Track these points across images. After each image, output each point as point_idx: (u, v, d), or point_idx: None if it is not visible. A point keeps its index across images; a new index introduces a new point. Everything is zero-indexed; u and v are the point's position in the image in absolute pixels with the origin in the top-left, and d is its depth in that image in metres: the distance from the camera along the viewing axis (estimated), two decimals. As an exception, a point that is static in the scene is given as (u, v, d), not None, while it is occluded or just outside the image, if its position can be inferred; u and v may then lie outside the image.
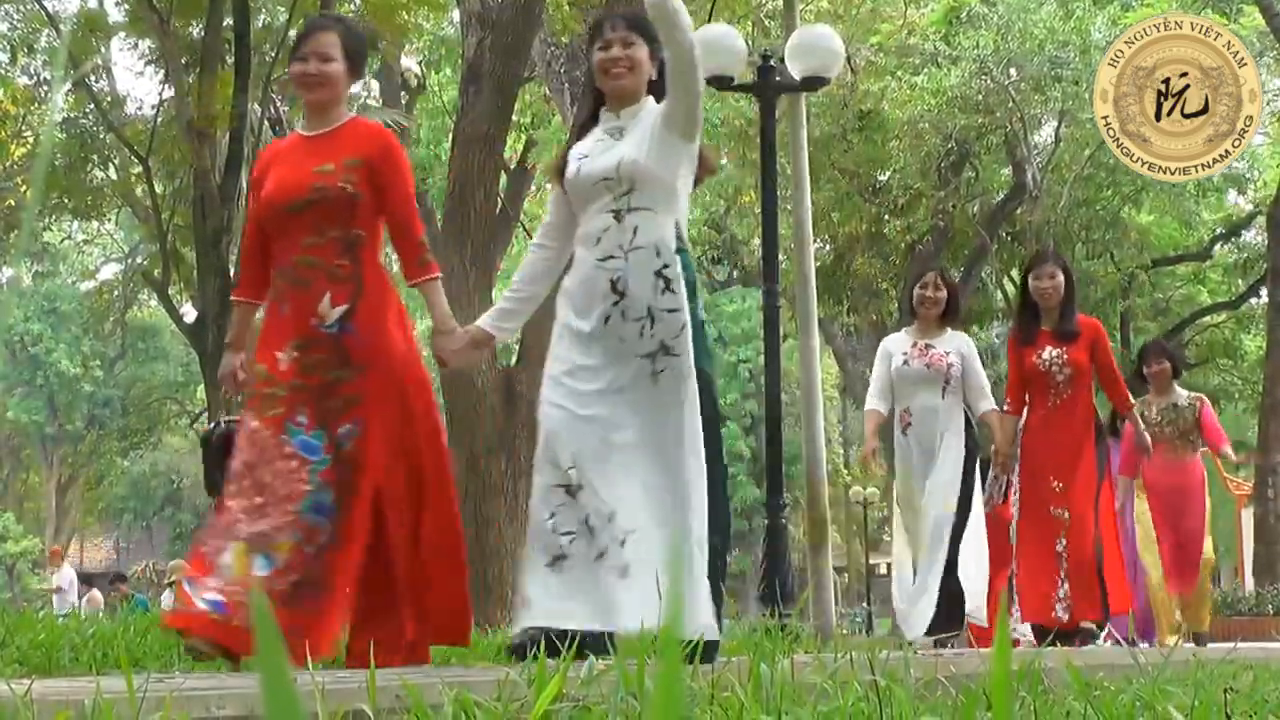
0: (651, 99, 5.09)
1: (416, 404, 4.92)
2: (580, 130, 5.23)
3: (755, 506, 35.30)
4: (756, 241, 28.61)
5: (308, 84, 5.01)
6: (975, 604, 8.31)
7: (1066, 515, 8.35)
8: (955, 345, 8.64)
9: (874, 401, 8.79)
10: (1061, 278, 8.53)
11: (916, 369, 8.56)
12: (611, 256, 4.85)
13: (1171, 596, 10.36)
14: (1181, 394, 10.55)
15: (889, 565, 33.05)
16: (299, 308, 4.82)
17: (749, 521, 37.55)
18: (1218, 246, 29.33)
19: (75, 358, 47.97)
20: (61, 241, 44.83)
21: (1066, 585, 8.31)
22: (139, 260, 30.51)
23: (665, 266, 4.82)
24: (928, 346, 8.61)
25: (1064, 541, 8.34)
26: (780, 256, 13.67)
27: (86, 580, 26.06)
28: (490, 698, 2.71)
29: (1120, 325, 27.16)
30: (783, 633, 4.25)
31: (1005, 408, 8.81)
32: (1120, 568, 8.97)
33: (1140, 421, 9.43)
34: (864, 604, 38.73)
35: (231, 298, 5.34)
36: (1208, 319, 29.34)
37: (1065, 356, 8.43)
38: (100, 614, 11.46)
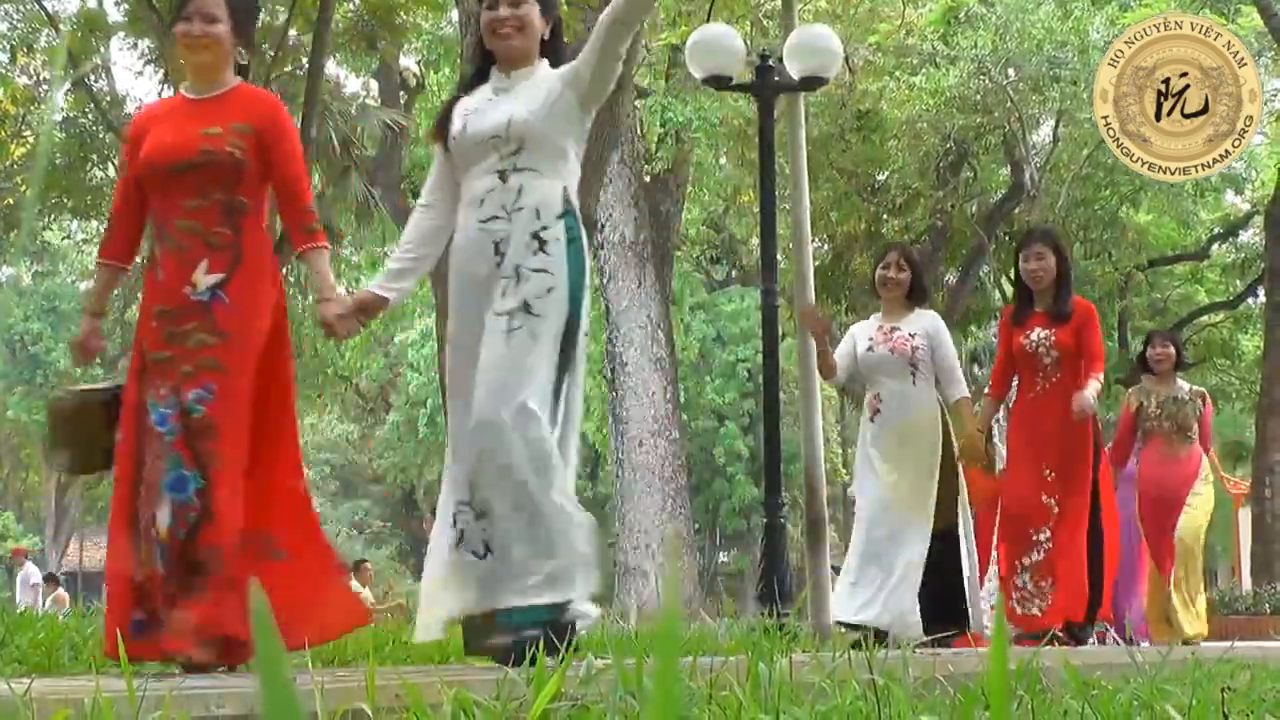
0: (545, 63, 4.88)
1: (274, 383, 4.68)
2: (466, 88, 5.00)
3: (753, 506, 35.27)
4: (755, 241, 28.61)
5: (191, 45, 4.79)
6: (976, 608, 7.90)
7: (1055, 506, 8.03)
8: (922, 326, 8.09)
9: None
10: (1052, 258, 8.19)
11: (881, 354, 8.06)
12: (496, 218, 4.66)
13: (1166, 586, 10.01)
14: (1183, 386, 10.25)
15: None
16: (173, 275, 4.61)
17: (747, 521, 37.55)
18: (1215, 246, 29.33)
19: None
20: (61, 241, 44.85)
21: (1026, 576, 7.99)
22: (138, 259, 30.43)
23: (543, 228, 4.61)
24: (893, 330, 8.10)
25: (1046, 532, 8.01)
26: (778, 256, 13.68)
27: (52, 579, 26.13)
28: (489, 696, 2.71)
29: (1118, 325, 27.17)
30: (781, 632, 4.26)
31: (986, 392, 8.56)
32: (1115, 562, 8.61)
33: (1090, 400, 8.82)
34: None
35: (96, 260, 5.13)
36: (1205, 319, 29.33)
37: (1053, 338, 8.11)
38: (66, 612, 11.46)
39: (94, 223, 34.67)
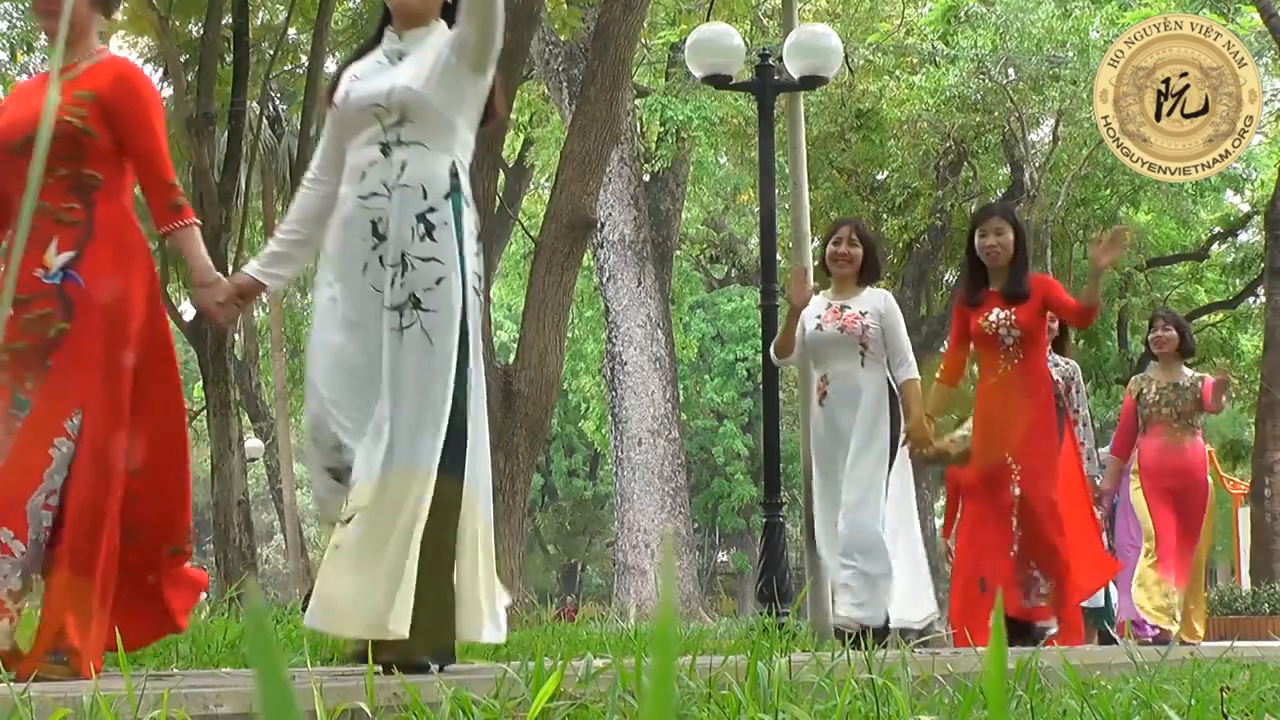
0: (444, 23, 4.47)
1: (151, 368, 4.30)
2: (360, 51, 4.65)
3: (752, 505, 35.30)
4: (754, 240, 28.63)
5: (40, 10, 4.44)
6: (901, 611, 7.36)
7: (1018, 493, 7.58)
8: (872, 305, 7.63)
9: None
10: (1010, 234, 7.72)
11: (829, 333, 7.59)
12: (376, 194, 4.24)
13: (1172, 586, 9.42)
14: (1186, 373, 9.72)
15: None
16: (25, 258, 4.19)
17: (746, 520, 37.57)
18: (1215, 246, 29.33)
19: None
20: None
21: (1030, 566, 7.60)
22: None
23: (430, 210, 4.22)
24: (842, 308, 7.64)
25: (1014, 520, 7.59)
26: (778, 255, 13.69)
27: None
28: (488, 695, 2.71)
29: (1118, 325, 27.19)
30: (779, 631, 4.26)
31: (937, 376, 8.09)
32: (1090, 547, 8.17)
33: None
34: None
35: None
36: (1205, 318, 29.32)
37: (1014, 318, 7.65)
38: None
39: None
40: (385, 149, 4.28)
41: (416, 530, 4.01)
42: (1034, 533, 7.57)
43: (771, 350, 8.36)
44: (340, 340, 4.26)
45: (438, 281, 4.17)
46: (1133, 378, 10.23)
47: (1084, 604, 10.56)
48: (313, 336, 4.36)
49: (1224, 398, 9.55)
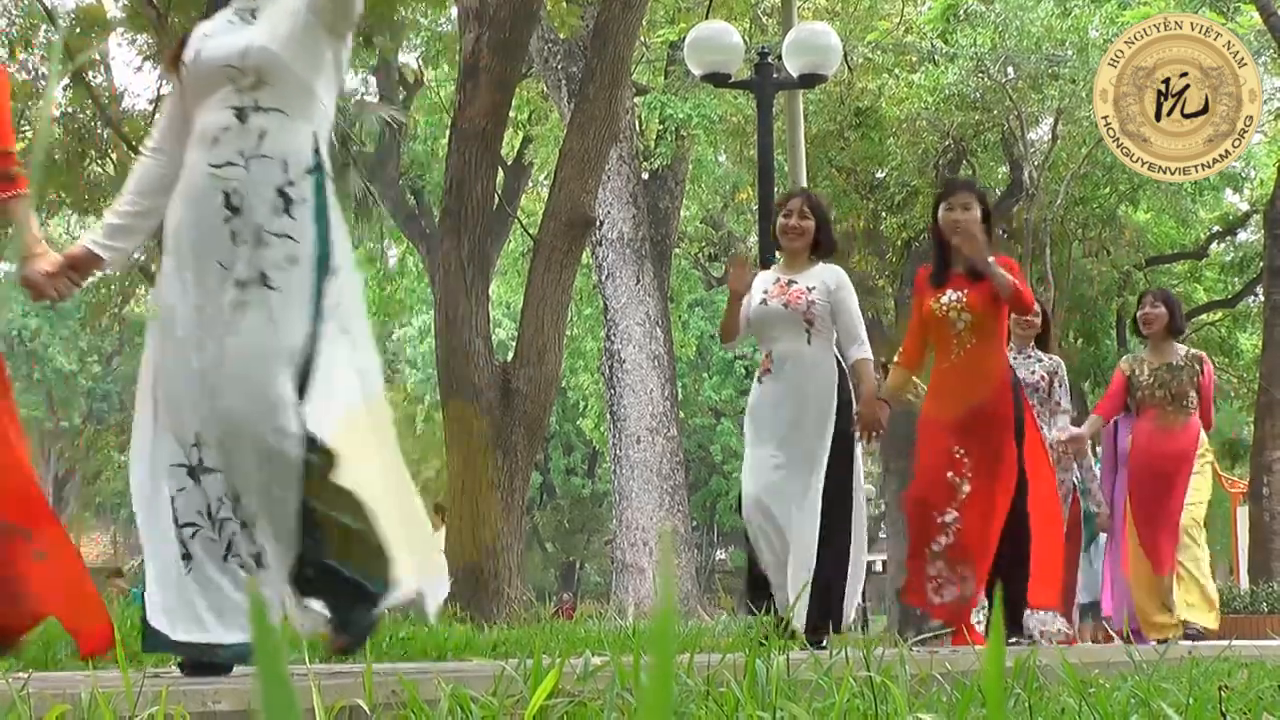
0: None
1: None
2: (209, 8, 4.35)
3: (752, 503, 35.25)
4: (753, 238, 28.61)
5: None
6: (851, 608, 6.96)
7: (966, 488, 7.10)
8: (821, 280, 7.17)
9: None
10: (977, 209, 7.27)
11: (775, 309, 7.15)
12: (230, 163, 3.90)
13: (1166, 578, 9.06)
14: (1179, 351, 9.30)
15: (884, 563, 32.99)
16: None
17: (745, 518, 37.52)
18: (1214, 245, 29.35)
19: (72, 353, 48.00)
20: (60, 236, 44.84)
21: (940, 562, 7.11)
22: (137, 255, 30.48)
23: (290, 184, 3.90)
24: (789, 282, 7.20)
25: (953, 514, 7.09)
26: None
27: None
28: (486, 693, 2.71)
29: (1116, 324, 27.20)
30: (778, 629, 4.26)
31: (896, 359, 7.72)
32: (1053, 557, 7.76)
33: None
34: (859, 600, 38.73)
35: None
36: (1204, 317, 29.35)
37: (965, 299, 7.17)
38: None
39: (93, 218, 34.71)
40: (241, 114, 3.94)
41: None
42: (970, 529, 7.09)
43: (718, 335, 7.91)
44: (181, 323, 3.91)
45: (290, 261, 3.85)
46: (1124, 357, 9.85)
47: (1081, 601, 10.54)
48: (157, 314, 4.00)
49: (1211, 415, 9.33)
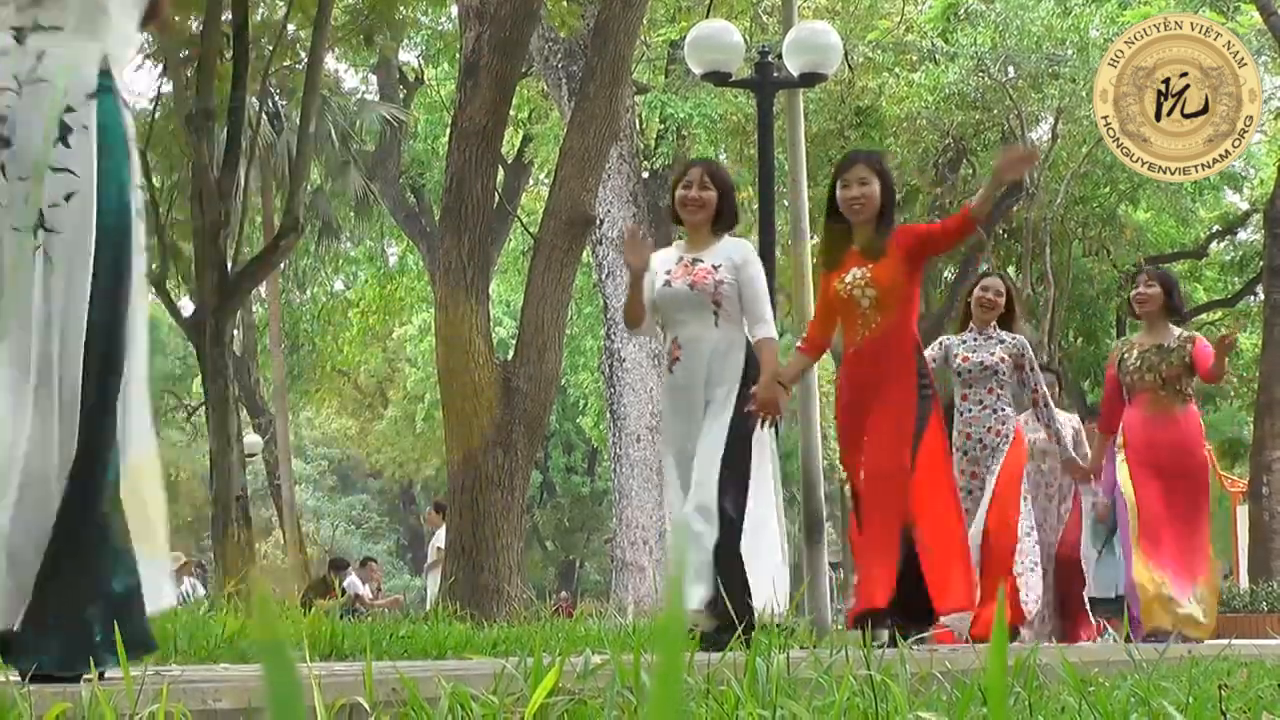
0: None
1: None
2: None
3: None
4: (753, 237, 28.61)
5: None
6: (764, 601, 6.33)
7: (863, 474, 6.69)
8: (726, 256, 6.64)
9: None
10: (876, 185, 6.71)
11: (678, 290, 6.62)
12: (5, 88, 3.44)
13: (1168, 577, 8.30)
14: (1172, 333, 8.65)
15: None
16: None
17: (745, 517, 37.50)
18: (1214, 244, 29.38)
19: (72, 351, 48.00)
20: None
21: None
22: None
23: (69, 110, 3.44)
24: (694, 261, 6.65)
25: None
26: (777, 252, 13.68)
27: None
28: (487, 691, 2.71)
29: (1116, 323, 27.21)
30: (778, 628, 4.26)
31: (799, 345, 7.24)
32: (958, 553, 6.92)
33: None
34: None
35: None
36: (1204, 316, 29.37)
37: (869, 275, 6.65)
38: None
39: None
40: (19, 35, 3.48)
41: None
42: (870, 522, 6.66)
43: (623, 321, 7.49)
44: None
45: (67, 198, 3.40)
46: (1115, 342, 9.42)
47: (1093, 595, 10.31)
48: None
49: (1225, 363, 8.57)
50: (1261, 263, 23.61)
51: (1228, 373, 8.46)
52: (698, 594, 6.27)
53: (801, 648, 3.95)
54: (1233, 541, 23.99)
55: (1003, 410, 8.64)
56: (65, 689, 2.66)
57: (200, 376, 15.98)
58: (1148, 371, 8.50)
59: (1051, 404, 8.96)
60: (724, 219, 6.79)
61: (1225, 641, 5.79)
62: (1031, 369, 8.71)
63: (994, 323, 8.79)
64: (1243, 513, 21.70)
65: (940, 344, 8.87)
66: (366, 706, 2.71)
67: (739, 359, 6.55)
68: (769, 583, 6.43)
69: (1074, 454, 9.23)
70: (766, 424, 6.56)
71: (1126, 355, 8.71)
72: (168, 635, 4.83)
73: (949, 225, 6.80)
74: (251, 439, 25.89)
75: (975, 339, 8.72)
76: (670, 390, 6.75)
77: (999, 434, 8.59)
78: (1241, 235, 29.39)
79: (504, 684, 2.73)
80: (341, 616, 6.18)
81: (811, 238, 12.25)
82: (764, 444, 6.67)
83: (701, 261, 6.64)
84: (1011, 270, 27.24)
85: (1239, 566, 22.21)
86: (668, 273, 6.69)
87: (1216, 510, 11.06)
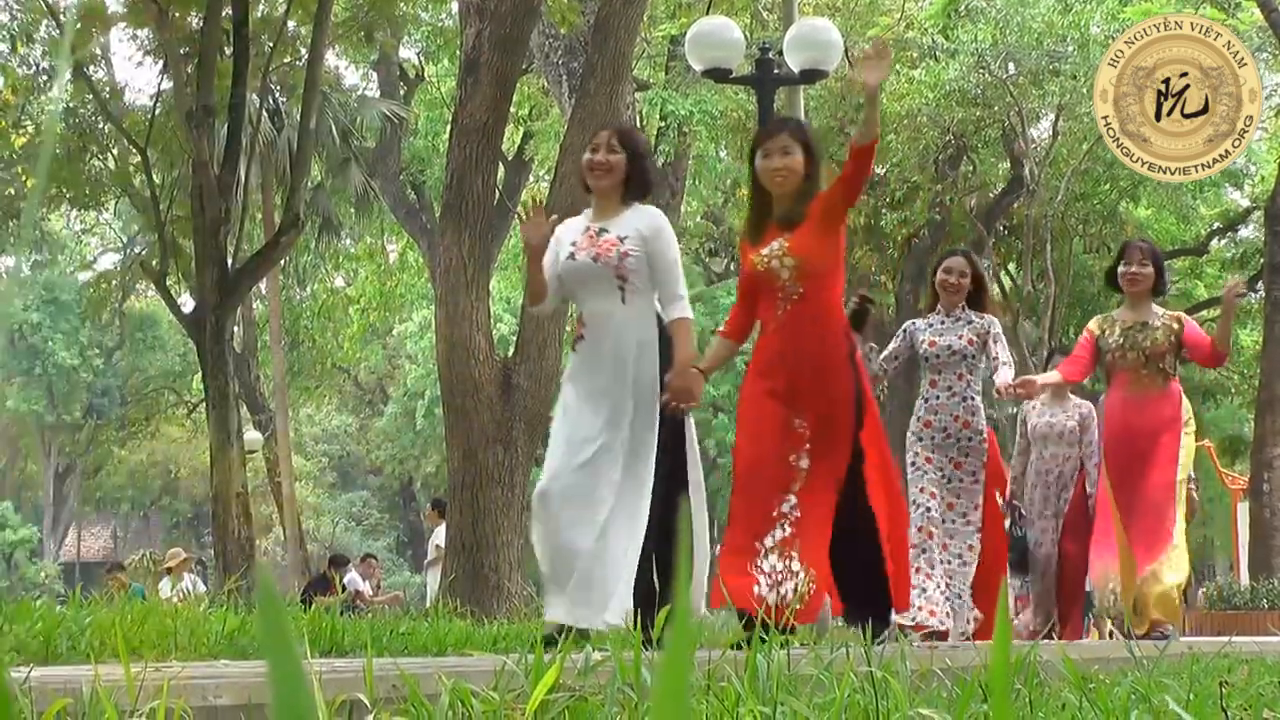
0: None
1: None
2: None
3: (752, 499, 35.23)
4: (754, 234, 28.59)
5: None
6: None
7: (805, 465, 6.01)
8: (634, 227, 6.05)
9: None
10: (800, 154, 6.18)
11: (583, 263, 6.03)
12: None
13: (1138, 574, 7.98)
14: (1156, 311, 8.23)
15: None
16: None
17: (745, 514, 37.49)
18: (1215, 241, 29.38)
19: (73, 347, 47.99)
20: (60, 231, 44.83)
21: (773, 558, 5.95)
22: (137, 250, 30.52)
23: None
24: (600, 231, 6.08)
25: (793, 500, 5.97)
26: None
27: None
28: (487, 687, 2.71)
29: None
30: (778, 624, 4.26)
31: (720, 329, 6.71)
32: (903, 548, 6.47)
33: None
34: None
35: None
36: (1204, 313, 29.37)
37: (786, 245, 6.09)
38: None
39: (93, 213, 34.72)
40: None
41: None
42: (807, 516, 6.01)
43: (526, 300, 7.00)
44: None
45: None
46: (1095, 318, 8.73)
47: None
48: None
49: (1230, 326, 8.22)
50: (1262, 259, 23.60)
51: (1229, 351, 8.08)
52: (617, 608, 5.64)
53: (801, 645, 3.95)
54: (1233, 539, 23.99)
55: (972, 399, 8.10)
56: (66, 684, 2.65)
57: (200, 373, 15.97)
58: (1130, 350, 8.13)
59: (1010, 369, 8.14)
60: (634, 186, 6.18)
61: (1226, 639, 5.79)
62: (996, 340, 8.11)
63: (963, 304, 8.31)
64: (1243, 510, 21.70)
65: (905, 330, 8.42)
66: (367, 703, 2.71)
67: (651, 340, 5.97)
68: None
69: (1081, 442, 9.10)
70: (679, 412, 6.00)
71: (1109, 332, 8.26)
72: (168, 632, 4.83)
73: (845, 169, 6.22)
74: (252, 435, 25.90)
75: (942, 322, 8.25)
76: (573, 372, 6.14)
77: (967, 425, 8.03)
78: (1242, 232, 29.40)
79: (505, 680, 2.73)
80: (341, 613, 6.17)
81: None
82: (690, 438, 6.15)
83: (607, 232, 6.07)
84: (1012, 267, 27.25)
85: (1239, 564, 22.22)
86: (572, 244, 6.12)
87: (1217, 507, 11.06)
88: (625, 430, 5.90)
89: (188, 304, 20.15)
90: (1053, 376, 8.61)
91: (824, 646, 3.43)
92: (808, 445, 6.03)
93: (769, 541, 5.99)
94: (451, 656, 4.88)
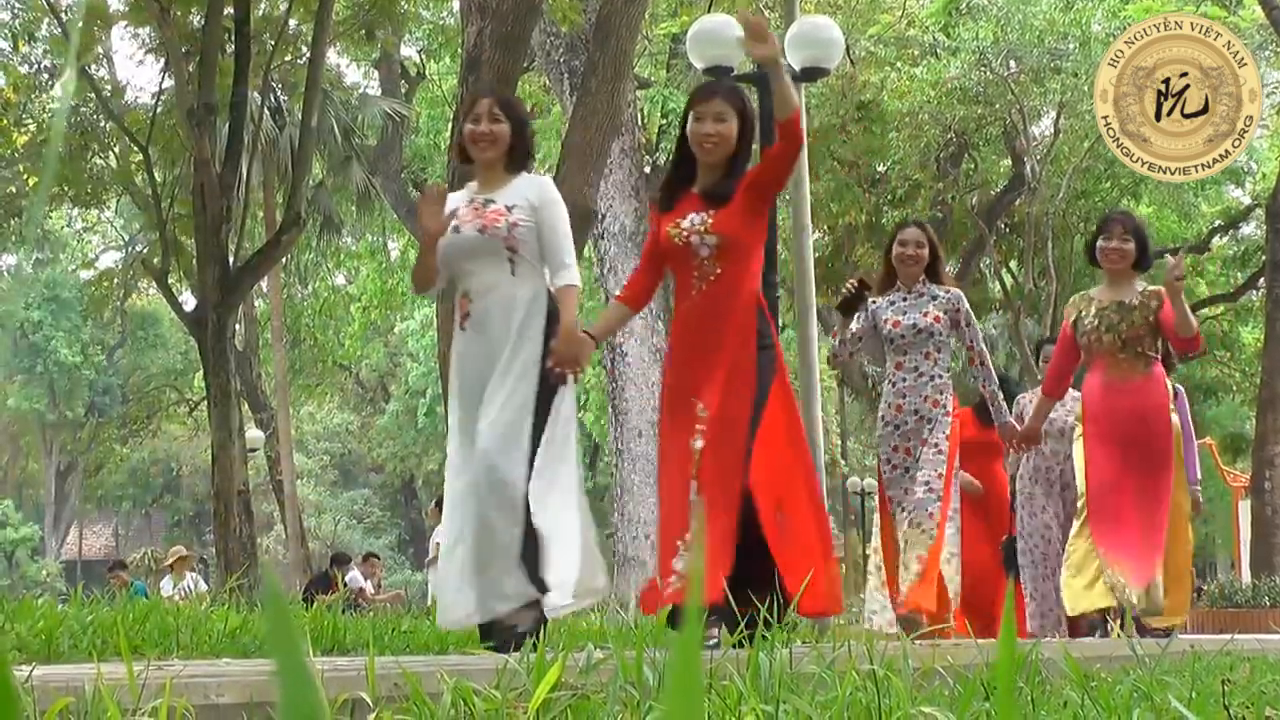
0: None
1: None
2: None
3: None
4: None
5: None
6: (562, 598, 5.38)
7: (700, 446, 5.60)
8: (523, 196, 5.75)
9: None
10: (735, 123, 5.76)
11: (469, 236, 5.68)
12: None
13: (1109, 559, 7.40)
14: (1135, 288, 7.58)
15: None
16: None
17: (747, 512, 37.49)
18: (1216, 239, 29.39)
19: (75, 345, 48.03)
20: (62, 229, 44.84)
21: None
22: (139, 248, 30.52)
23: None
24: (486, 202, 5.76)
25: (695, 485, 5.57)
26: (779, 247, 13.69)
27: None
28: (489, 686, 2.72)
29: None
30: (780, 623, 4.25)
31: (617, 294, 6.37)
32: (815, 547, 5.80)
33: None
34: (861, 595, 38.75)
35: None
36: (1206, 311, 29.39)
37: (709, 222, 5.70)
38: None
39: (94, 211, 34.70)
40: None
41: None
42: (713, 505, 5.58)
43: (411, 287, 6.58)
44: None
45: None
46: (1073, 297, 8.20)
47: None
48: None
49: (1187, 312, 7.30)
50: (1264, 257, 23.60)
51: (1194, 336, 7.34)
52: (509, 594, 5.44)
53: (804, 642, 3.95)
54: (1234, 537, 23.99)
55: (940, 378, 7.59)
56: (68, 683, 2.65)
57: (202, 371, 15.97)
58: (1106, 332, 7.52)
59: (989, 362, 7.87)
60: (518, 155, 5.86)
61: (1228, 636, 5.79)
62: (969, 324, 7.67)
63: (923, 278, 7.77)
64: (1245, 508, 21.70)
65: (865, 309, 7.76)
66: (369, 701, 2.71)
67: (540, 320, 5.65)
68: (577, 562, 5.46)
69: (1010, 420, 8.14)
70: (564, 380, 5.76)
71: (1084, 313, 7.65)
72: (170, 630, 4.84)
73: (774, 148, 5.81)
74: (253, 434, 25.92)
75: (904, 299, 7.72)
76: (459, 354, 5.81)
77: (936, 404, 7.53)
78: (1244, 230, 29.40)
79: (506, 679, 2.73)
80: (343, 611, 6.17)
81: (814, 233, 12.24)
82: (564, 411, 5.85)
83: (494, 202, 5.74)
84: (1014, 265, 27.23)
85: (1241, 562, 22.22)
86: (456, 217, 5.75)
87: (1219, 505, 11.08)
88: (511, 410, 5.59)
89: (189, 302, 20.16)
90: (1042, 406, 8.00)
91: (826, 643, 3.43)
92: (704, 427, 5.64)
93: (688, 538, 5.64)
94: (453, 655, 4.88)
